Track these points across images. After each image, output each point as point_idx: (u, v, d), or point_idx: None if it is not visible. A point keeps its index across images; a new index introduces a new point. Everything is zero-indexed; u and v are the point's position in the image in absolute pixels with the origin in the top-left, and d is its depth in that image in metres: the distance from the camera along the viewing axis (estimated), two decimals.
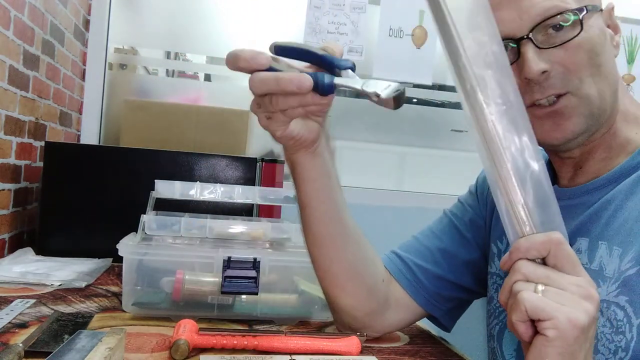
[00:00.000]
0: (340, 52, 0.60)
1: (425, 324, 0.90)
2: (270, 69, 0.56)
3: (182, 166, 1.32)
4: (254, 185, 1.35)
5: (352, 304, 0.74)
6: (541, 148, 0.71)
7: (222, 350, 0.68)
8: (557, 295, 0.48)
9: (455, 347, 0.81)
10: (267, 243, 0.93)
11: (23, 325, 0.73)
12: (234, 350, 0.68)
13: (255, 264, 0.83)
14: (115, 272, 1.12)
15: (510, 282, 0.51)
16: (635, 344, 0.58)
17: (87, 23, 1.82)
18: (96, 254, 1.21)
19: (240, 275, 0.82)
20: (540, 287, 0.49)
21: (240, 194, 1.00)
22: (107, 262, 1.18)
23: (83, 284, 0.98)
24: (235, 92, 1.87)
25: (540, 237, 0.51)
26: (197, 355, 0.66)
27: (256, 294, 0.83)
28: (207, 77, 2.07)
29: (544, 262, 0.51)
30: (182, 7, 1.94)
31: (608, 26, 0.67)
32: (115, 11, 1.88)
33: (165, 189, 0.97)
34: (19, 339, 0.64)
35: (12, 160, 1.24)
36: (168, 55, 2.08)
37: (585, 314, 0.47)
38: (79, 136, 1.81)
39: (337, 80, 0.56)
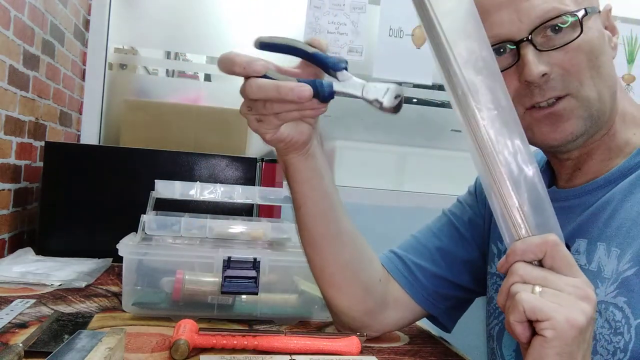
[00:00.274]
0: (326, 46, 0.59)
1: (425, 324, 0.90)
2: (265, 76, 0.55)
3: (182, 166, 1.32)
4: (254, 185, 1.35)
5: (348, 304, 0.74)
6: (540, 149, 0.71)
7: (222, 350, 0.68)
8: (555, 296, 0.48)
9: (456, 347, 0.81)
10: (267, 243, 0.93)
11: (23, 325, 0.73)
12: (234, 350, 0.68)
13: (255, 264, 0.83)
14: (115, 272, 1.12)
15: (507, 285, 0.51)
16: (633, 345, 0.58)
17: (87, 23, 1.82)
18: (96, 254, 1.21)
19: (240, 275, 0.82)
20: (537, 289, 0.49)
21: (240, 194, 1.00)
22: (107, 262, 1.18)
23: (83, 284, 0.98)
24: (235, 92, 1.83)
25: (536, 240, 0.51)
26: (197, 355, 0.66)
27: (256, 294, 0.83)
28: (207, 77, 2.07)
29: (540, 264, 0.51)
30: (182, 7, 1.94)
31: (606, 27, 0.67)
32: (115, 11, 1.88)
33: (165, 189, 0.97)
34: (19, 339, 0.64)
35: (12, 160, 1.24)
36: (168, 55, 2.08)
37: (583, 315, 0.48)
38: (79, 136, 1.81)
39: (336, 87, 0.56)
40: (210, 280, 0.84)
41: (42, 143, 1.37)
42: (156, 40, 1.98)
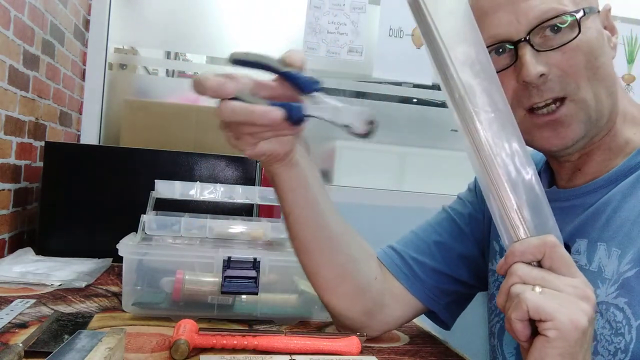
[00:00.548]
0: (302, 61, 0.58)
1: (425, 324, 0.90)
2: (236, 98, 0.55)
3: (182, 166, 1.32)
4: (254, 185, 1.35)
5: (345, 306, 0.75)
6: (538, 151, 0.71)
7: (222, 350, 0.68)
8: (554, 296, 0.48)
9: (456, 346, 0.81)
10: (267, 243, 0.93)
11: (23, 325, 0.73)
12: (234, 350, 0.68)
13: (255, 264, 0.83)
14: (115, 272, 1.12)
15: (507, 285, 0.51)
16: (634, 346, 0.58)
17: (87, 23, 1.82)
18: (96, 254, 1.21)
19: (240, 275, 0.82)
20: (537, 289, 0.49)
21: (240, 194, 1.00)
22: (107, 262, 1.18)
23: (83, 284, 0.98)
24: None
25: (535, 241, 0.51)
26: (197, 355, 0.66)
27: (256, 294, 0.83)
28: None
29: (539, 265, 0.51)
30: (182, 7, 1.94)
31: (605, 27, 0.67)
32: (115, 11, 1.88)
33: (165, 189, 0.97)
34: (19, 339, 0.64)
35: (12, 160, 1.24)
36: (168, 55, 2.08)
37: (584, 315, 0.48)
38: (79, 136, 1.81)
39: (308, 111, 0.56)
40: (210, 280, 0.84)
41: (42, 143, 1.37)
42: (156, 40, 1.98)
